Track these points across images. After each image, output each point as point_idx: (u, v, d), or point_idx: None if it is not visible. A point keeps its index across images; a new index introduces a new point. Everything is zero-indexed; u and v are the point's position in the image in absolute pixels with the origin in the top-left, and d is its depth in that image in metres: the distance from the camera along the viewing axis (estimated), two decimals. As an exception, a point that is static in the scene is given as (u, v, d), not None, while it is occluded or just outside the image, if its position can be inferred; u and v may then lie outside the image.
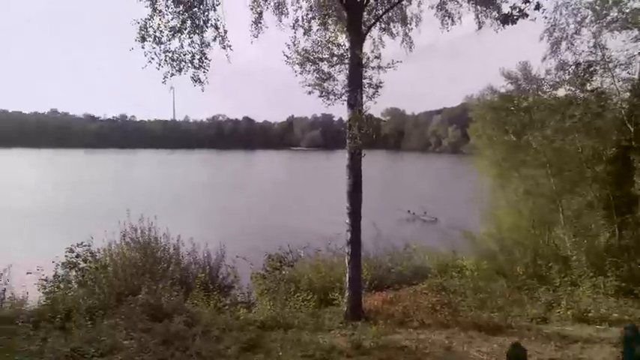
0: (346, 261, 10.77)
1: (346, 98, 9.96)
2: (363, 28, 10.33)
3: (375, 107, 10.04)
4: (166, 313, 9.12)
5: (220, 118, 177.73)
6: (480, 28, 10.48)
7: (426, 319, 9.73)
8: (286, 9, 10.19)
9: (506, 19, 7.32)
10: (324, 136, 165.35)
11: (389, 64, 9.89)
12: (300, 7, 10.27)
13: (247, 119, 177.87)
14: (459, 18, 10.73)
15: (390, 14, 11.20)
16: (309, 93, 10.44)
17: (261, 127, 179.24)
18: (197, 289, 10.99)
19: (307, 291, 11.87)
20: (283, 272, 13.83)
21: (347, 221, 10.49)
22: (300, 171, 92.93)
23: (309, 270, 13.49)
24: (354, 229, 10.46)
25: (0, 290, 9.61)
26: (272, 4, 9.93)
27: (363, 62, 9.94)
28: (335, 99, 10.12)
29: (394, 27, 11.38)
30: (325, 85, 10.12)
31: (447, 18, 10.68)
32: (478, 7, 10.23)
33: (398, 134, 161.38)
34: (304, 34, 10.46)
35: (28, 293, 9.78)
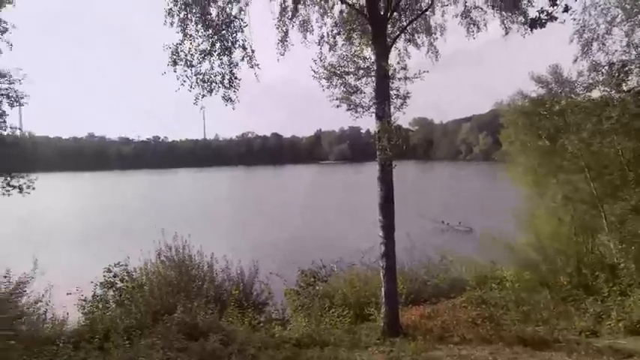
0: (381, 274, 10.56)
1: (374, 110, 9.91)
2: (388, 40, 10.30)
3: (403, 117, 9.95)
4: (202, 331, 9.13)
5: (249, 135, 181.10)
6: (506, 34, 10.28)
7: (467, 334, 9.37)
8: (311, 26, 10.34)
9: (535, 24, 7.15)
10: (351, 148, 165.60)
11: (416, 74, 9.79)
12: (325, 24, 10.41)
13: (275, 135, 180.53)
14: (485, 25, 10.58)
15: (414, 25, 11.14)
16: (337, 106, 10.44)
17: (289, 142, 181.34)
18: (231, 306, 11.02)
19: (342, 306, 11.71)
20: (317, 288, 13.70)
21: (380, 234, 10.33)
22: (329, 184, 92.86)
23: (343, 285, 13.32)
24: (387, 242, 10.27)
25: (42, 311, 9.89)
26: (297, 22, 10.07)
27: (390, 74, 9.88)
28: (363, 111, 10.09)
29: (419, 37, 11.32)
30: (352, 98, 10.10)
31: (472, 26, 10.53)
32: (503, 13, 10.05)
33: (427, 144, 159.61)
34: (330, 49, 10.60)
35: (68, 314, 10.02)
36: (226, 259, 13.67)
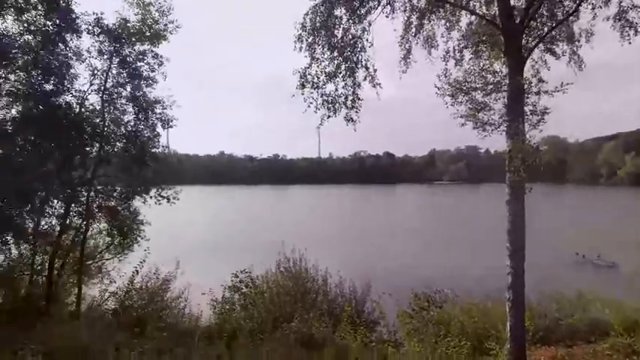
0: (507, 307, 9.70)
1: (505, 128, 9.25)
2: (523, 51, 9.61)
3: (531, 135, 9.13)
4: (317, 342, 9.35)
5: (362, 153, 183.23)
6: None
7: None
8: (436, 42, 10.05)
9: None
10: (468, 168, 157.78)
11: (556, 87, 8.96)
12: (451, 38, 10.04)
13: (388, 154, 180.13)
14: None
15: (554, 33, 10.23)
16: (462, 125, 10.00)
17: (401, 161, 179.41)
18: (344, 322, 11.10)
19: (458, 336, 11.05)
20: (431, 313, 13.16)
21: (508, 263, 9.51)
22: (443, 205, 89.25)
23: (459, 313, 12.58)
24: (516, 273, 9.40)
25: (181, 306, 11.09)
26: (421, 38, 9.90)
27: (524, 88, 9.19)
28: (491, 130, 9.47)
29: (558, 46, 10.36)
30: (480, 115, 9.58)
31: (627, 29, 9.28)
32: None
33: (558, 164, 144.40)
34: (456, 64, 10.16)
35: (202, 311, 11.05)
36: (340, 274, 13.87)
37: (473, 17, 10.07)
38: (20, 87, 12.71)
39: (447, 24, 10.00)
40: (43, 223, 13.85)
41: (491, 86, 9.69)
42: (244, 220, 60.52)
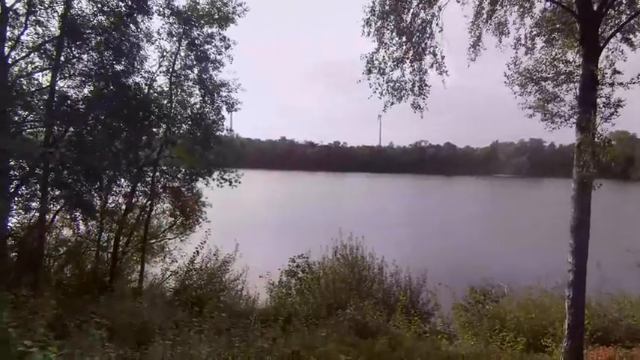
0: (565, 305, 9.64)
1: (575, 120, 9.09)
2: (599, 40, 9.34)
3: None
4: (371, 331, 9.74)
5: (422, 143, 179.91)
6: None
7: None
8: (507, 29, 9.94)
9: None
10: (531, 162, 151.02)
11: (632, 79, 8.69)
12: (524, 25, 9.87)
13: (449, 145, 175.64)
14: None
15: (633, 22, 9.83)
16: (530, 116, 9.96)
17: (462, 152, 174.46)
18: (399, 311, 11.40)
19: (514, 331, 11.10)
20: (487, 307, 13.21)
21: (569, 260, 9.42)
22: (504, 199, 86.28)
23: (515, 308, 12.56)
24: (578, 271, 9.29)
25: (239, 288, 11.80)
26: (492, 25, 9.81)
27: (598, 78, 8.97)
28: (561, 122, 9.37)
29: (636, 36, 9.93)
30: (549, 106, 9.48)
31: None
32: None
33: (626, 161, 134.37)
34: (526, 52, 10.01)
35: (258, 294, 11.70)
36: (395, 264, 14.10)
37: (548, 4, 9.80)
38: (92, 67, 13.29)
39: (521, 10, 9.81)
40: (110, 201, 14.82)
41: (563, 76, 9.55)
42: (303, 205, 61.53)
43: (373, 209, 59.59)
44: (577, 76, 9.25)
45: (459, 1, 9.55)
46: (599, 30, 9.52)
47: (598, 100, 8.94)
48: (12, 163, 12.34)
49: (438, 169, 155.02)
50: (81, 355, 5.17)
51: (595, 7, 9.15)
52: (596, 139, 8.47)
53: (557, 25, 9.84)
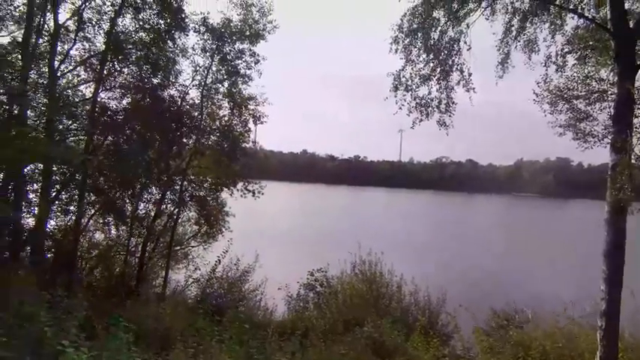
0: (597, 336, 8.80)
1: (609, 140, 8.38)
2: (635, 58, 8.63)
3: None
4: (388, 350, 9.13)
5: (443, 159, 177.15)
6: None
7: None
8: (537, 46, 9.39)
9: None
10: (557, 182, 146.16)
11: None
12: (554, 42, 9.30)
13: (471, 162, 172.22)
14: None
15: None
16: (560, 135, 9.32)
17: (484, 170, 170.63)
18: (417, 332, 10.72)
19: (540, 360, 10.20)
20: (510, 332, 12.31)
21: (602, 288, 8.63)
22: (529, 219, 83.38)
23: (541, 336, 11.61)
24: (611, 300, 8.51)
25: (257, 299, 11.41)
26: (522, 42, 9.29)
27: (635, 97, 8.24)
28: (594, 142, 8.69)
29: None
30: (581, 125, 8.82)
31: None
32: None
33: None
34: (557, 70, 9.44)
35: (276, 306, 11.27)
36: (414, 282, 13.43)
37: (581, 21, 9.25)
38: (131, 80, 13.79)
39: (552, 27, 9.27)
40: (140, 207, 14.95)
41: (595, 94, 8.93)
42: (323, 218, 61.06)
43: (392, 225, 58.58)
44: (611, 94, 8.62)
45: (487, 19, 9.15)
46: (636, 47, 8.85)
47: (634, 119, 8.23)
48: (54, 168, 12.71)
49: (459, 185, 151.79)
50: (109, 357, 5.12)
51: (631, 24, 8.51)
52: (633, 161, 7.75)
53: (591, 43, 9.25)
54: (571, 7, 9.25)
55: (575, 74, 9.26)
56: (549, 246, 47.85)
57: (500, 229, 62.09)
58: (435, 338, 10.88)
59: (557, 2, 9.32)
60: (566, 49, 9.31)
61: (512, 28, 9.23)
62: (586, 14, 9.15)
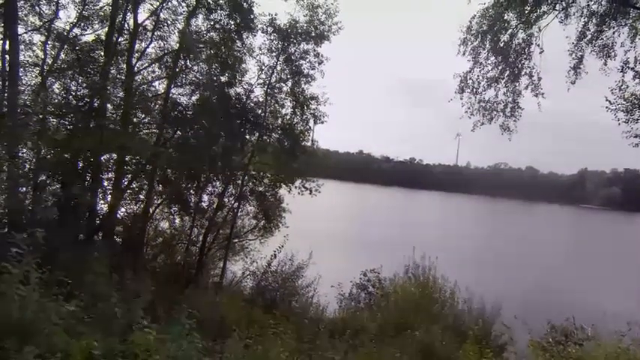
0: (668, 360, 8.10)
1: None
2: None
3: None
4: (439, 357, 8.89)
5: (502, 165, 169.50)
6: None
7: None
8: (614, 51, 8.76)
9: None
10: (624, 194, 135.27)
11: None
12: (634, 47, 8.62)
13: (531, 169, 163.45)
14: None
15: None
16: (636, 145, 8.62)
17: (545, 178, 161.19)
18: (470, 341, 10.34)
19: (601, 381, 9.50)
20: (569, 349, 11.56)
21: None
22: (592, 232, 77.78)
23: (602, 356, 10.81)
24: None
25: (310, 295, 11.49)
26: (597, 46, 8.69)
27: None
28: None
29: None
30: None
31: None
32: None
33: None
34: (634, 77, 8.75)
35: (329, 303, 11.29)
36: (468, 290, 12.96)
37: (666, 24, 8.50)
38: (201, 77, 14.32)
39: (632, 32, 8.60)
40: (204, 199, 15.55)
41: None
42: (377, 219, 60.35)
43: (448, 229, 56.75)
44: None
45: (561, 22, 8.64)
46: None
47: None
48: (127, 159, 13.32)
49: (516, 193, 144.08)
50: (172, 340, 5.22)
51: None
52: None
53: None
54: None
55: (656, 81, 8.53)
56: (614, 261, 44.48)
57: (562, 241, 58.56)
58: (488, 349, 10.46)
59: (638, 5, 8.65)
60: (646, 55, 8.59)
61: (588, 32, 8.70)
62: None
